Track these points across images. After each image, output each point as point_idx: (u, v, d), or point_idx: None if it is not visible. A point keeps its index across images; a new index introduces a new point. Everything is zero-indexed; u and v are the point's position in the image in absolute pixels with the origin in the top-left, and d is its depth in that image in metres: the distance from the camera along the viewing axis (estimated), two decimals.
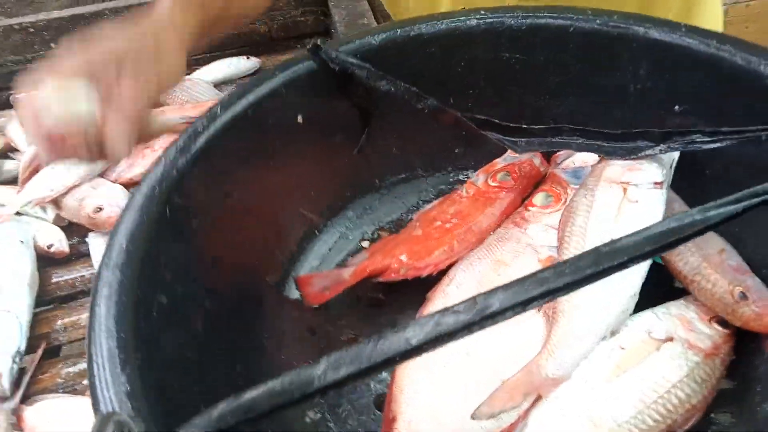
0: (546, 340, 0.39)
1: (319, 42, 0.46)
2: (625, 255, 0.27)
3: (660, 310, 0.40)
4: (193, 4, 0.50)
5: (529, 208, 0.47)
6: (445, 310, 0.25)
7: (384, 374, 0.43)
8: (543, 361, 0.38)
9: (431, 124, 0.49)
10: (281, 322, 0.46)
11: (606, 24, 0.45)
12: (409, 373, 0.40)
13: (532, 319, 0.40)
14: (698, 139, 0.42)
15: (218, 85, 0.86)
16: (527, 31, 0.48)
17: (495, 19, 0.48)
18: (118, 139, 0.39)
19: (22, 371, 0.50)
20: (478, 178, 0.51)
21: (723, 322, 0.39)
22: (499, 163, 0.51)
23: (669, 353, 0.38)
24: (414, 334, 0.25)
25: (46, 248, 0.60)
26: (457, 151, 0.55)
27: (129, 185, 0.66)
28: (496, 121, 0.48)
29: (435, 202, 0.53)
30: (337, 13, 0.93)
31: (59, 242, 0.61)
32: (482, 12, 0.48)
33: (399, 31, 0.49)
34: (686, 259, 0.41)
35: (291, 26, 0.98)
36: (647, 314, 0.40)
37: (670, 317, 0.40)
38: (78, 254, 0.62)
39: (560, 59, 0.48)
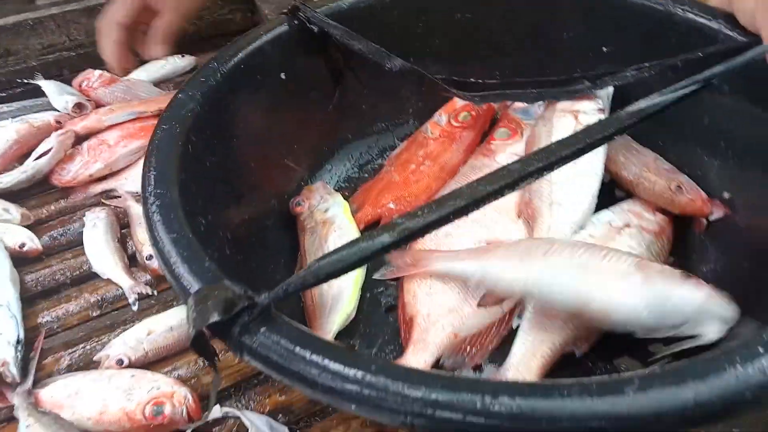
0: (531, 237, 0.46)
1: (297, 4, 0.51)
2: (614, 126, 0.35)
3: (614, 208, 0.49)
4: None
5: (492, 142, 0.54)
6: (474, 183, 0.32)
7: (390, 290, 0.48)
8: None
9: (394, 82, 0.56)
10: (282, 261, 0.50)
11: None
12: (416, 280, 0.45)
13: (515, 224, 0.47)
14: (628, 74, 0.50)
15: (157, 84, 0.87)
16: None
17: None
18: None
19: (25, 362, 0.49)
20: (441, 117, 0.58)
21: (663, 212, 0.48)
22: (458, 102, 0.58)
23: (628, 235, 0.46)
24: (457, 201, 0.31)
25: (18, 248, 0.59)
26: (419, 104, 0.61)
27: (89, 183, 0.67)
28: (455, 78, 0.54)
29: (403, 144, 0.59)
30: (267, 7, 0.97)
31: (30, 240, 0.59)
32: None
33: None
34: (629, 168, 0.50)
35: (220, 24, 1.00)
36: (604, 212, 0.48)
37: (623, 212, 0.48)
38: (50, 251, 0.61)
39: (505, 16, 0.56)
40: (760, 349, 0.25)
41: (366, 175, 0.59)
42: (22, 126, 0.70)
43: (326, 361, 0.26)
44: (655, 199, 0.49)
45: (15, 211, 0.62)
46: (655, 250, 0.45)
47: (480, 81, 0.54)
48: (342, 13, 0.54)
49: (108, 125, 0.70)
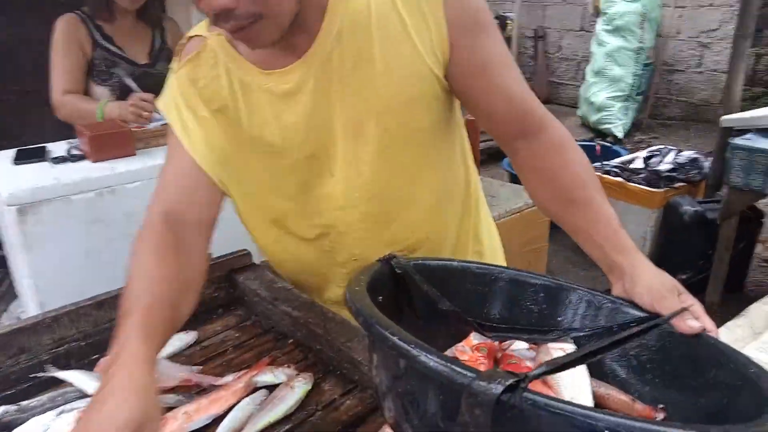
0: None
1: (391, 254, 0.78)
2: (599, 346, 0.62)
3: None
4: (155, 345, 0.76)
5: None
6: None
7: None
8: None
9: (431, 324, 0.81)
10: None
11: (514, 272, 0.86)
12: None
13: None
14: (585, 330, 0.81)
15: (170, 358, 1.04)
16: (471, 273, 0.86)
17: (463, 265, 0.86)
18: None
19: None
20: (465, 348, 0.81)
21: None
22: (473, 339, 0.82)
23: None
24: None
25: None
26: (439, 342, 0.83)
27: None
28: (478, 321, 0.82)
29: None
30: (247, 285, 1.19)
31: None
32: (457, 261, 0.87)
33: (420, 262, 0.83)
34: (599, 389, 0.76)
35: (208, 302, 1.22)
36: None
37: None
38: None
39: (496, 293, 0.86)
40: None
41: None
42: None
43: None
44: (620, 407, 0.75)
45: None
46: None
47: (494, 325, 0.82)
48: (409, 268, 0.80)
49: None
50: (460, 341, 0.83)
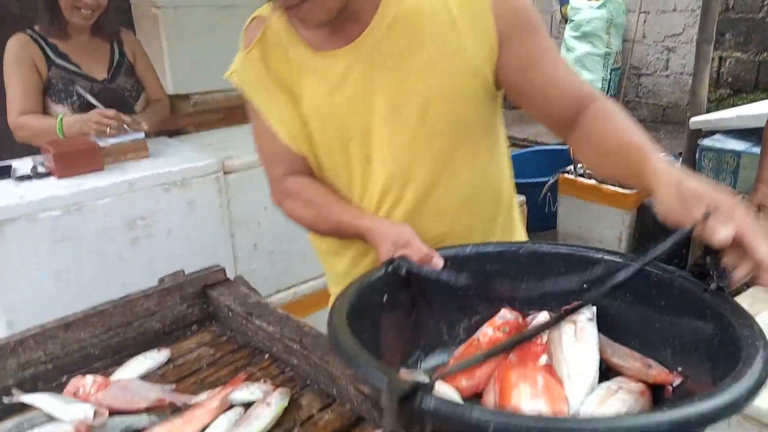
0: None
1: (394, 257, 0.79)
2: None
3: (609, 381, 0.71)
4: None
5: None
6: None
7: None
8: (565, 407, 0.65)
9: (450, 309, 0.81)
10: None
11: (536, 247, 0.85)
12: None
13: None
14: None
15: (142, 377, 0.97)
16: (496, 253, 0.85)
17: (481, 248, 0.85)
18: None
19: None
20: (488, 329, 0.78)
21: (644, 382, 0.70)
22: (497, 320, 0.79)
23: (623, 393, 0.68)
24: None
25: None
26: (463, 325, 0.84)
27: None
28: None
29: (462, 346, 0.79)
30: (221, 301, 1.14)
31: None
32: (472, 245, 0.85)
33: None
34: (616, 356, 0.74)
35: (181, 318, 1.16)
36: (604, 383, 0.70)
37: (616, 382, 0.70)
38: None
39: (519, 268, 0.84)
40: None
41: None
42: None
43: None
44: (635, 374, 0.72)
45: None
46: (641, 404, 0.68)
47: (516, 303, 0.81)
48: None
49: None
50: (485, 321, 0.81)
